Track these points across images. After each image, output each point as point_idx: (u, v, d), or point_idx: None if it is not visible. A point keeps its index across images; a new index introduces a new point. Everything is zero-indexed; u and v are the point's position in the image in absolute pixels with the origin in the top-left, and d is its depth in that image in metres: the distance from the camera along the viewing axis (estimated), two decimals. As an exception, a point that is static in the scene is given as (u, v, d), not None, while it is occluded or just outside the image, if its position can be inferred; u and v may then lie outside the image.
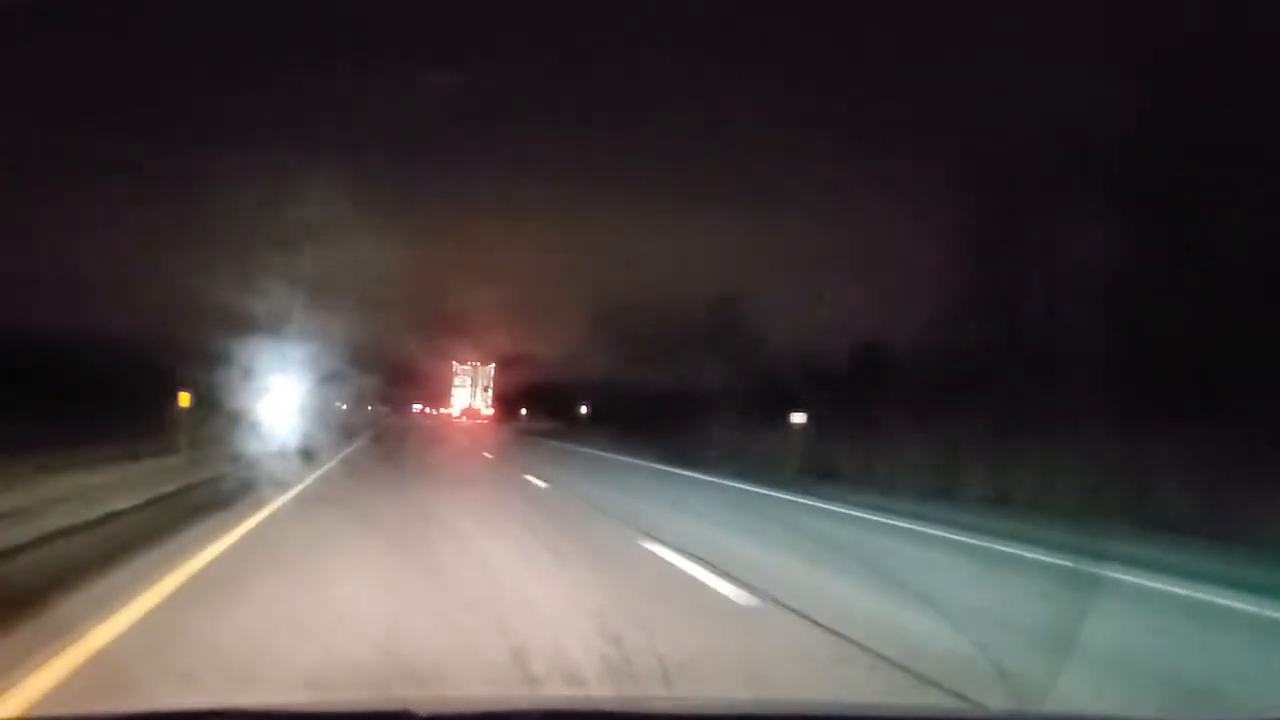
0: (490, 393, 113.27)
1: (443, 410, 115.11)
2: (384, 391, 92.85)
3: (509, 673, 4.09)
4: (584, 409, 48.15)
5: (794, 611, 5.68)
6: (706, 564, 7.26)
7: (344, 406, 53.68)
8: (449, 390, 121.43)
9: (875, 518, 12.20)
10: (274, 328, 27.47)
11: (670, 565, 7.36)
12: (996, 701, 4.06)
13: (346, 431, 29.83)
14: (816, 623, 5.36)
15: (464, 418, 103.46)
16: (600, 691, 3.86)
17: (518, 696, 3.73)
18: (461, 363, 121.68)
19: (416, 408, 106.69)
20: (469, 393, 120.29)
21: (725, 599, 6.11)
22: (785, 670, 4.49)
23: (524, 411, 74.58)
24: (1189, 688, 4.70)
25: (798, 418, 20.85)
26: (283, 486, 12.14)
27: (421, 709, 2.17)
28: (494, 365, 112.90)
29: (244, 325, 27.23)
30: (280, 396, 26.12)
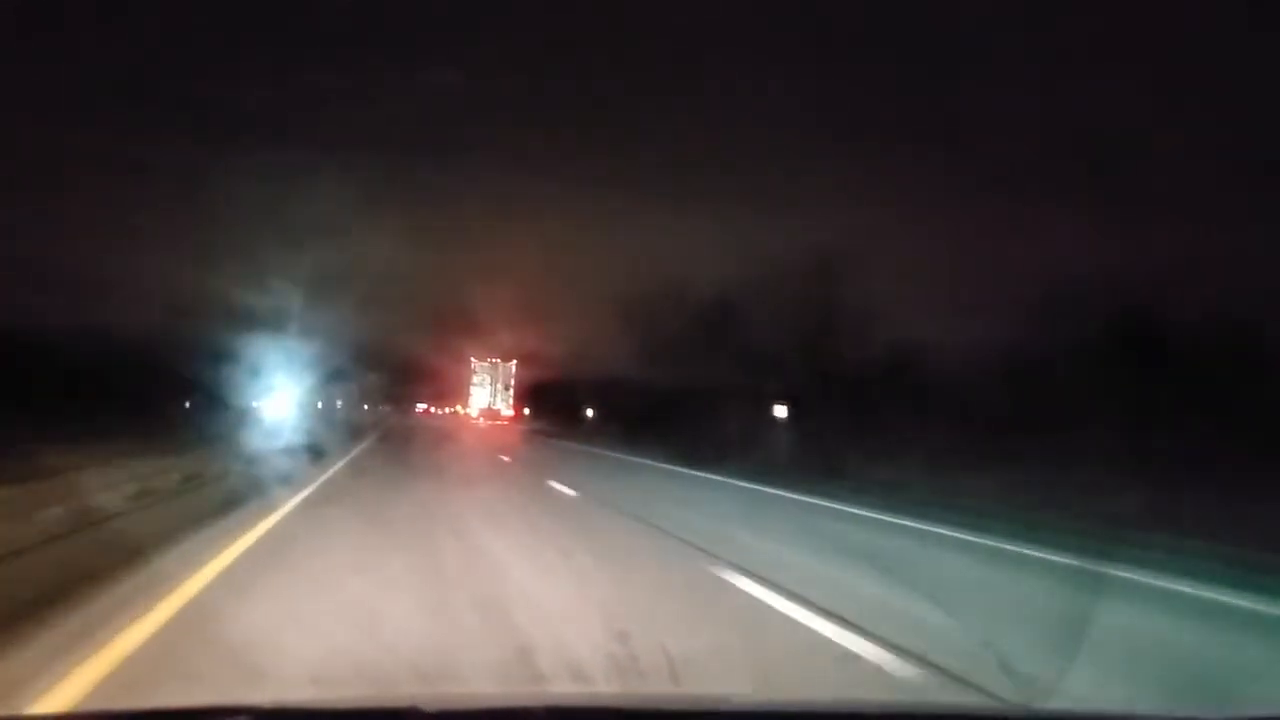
0: (511, 391, 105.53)
1: (457, 409, 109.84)
2: (390, 390, 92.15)
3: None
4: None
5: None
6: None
7: (339, 405, 53.26)
8: (462, 389, 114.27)
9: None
10: (274, 326, 27.50)
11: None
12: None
13: (329, 438, 25.94)
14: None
15: (481, 418, 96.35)
16: (606, 688, 3.85)
17: (524, 693, 3.72)
18: (481, 359, 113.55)
19: (421, 407, 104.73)
20: (488, 391, 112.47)
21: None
22: (791, 667, 4.48)
23: (590, 413, 61.26)
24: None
25: None
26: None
27: (429, 706, 2.17)
28: (515, 362, 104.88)
29: (244, 323, 27.26)
30: (270, 396, 25.98)
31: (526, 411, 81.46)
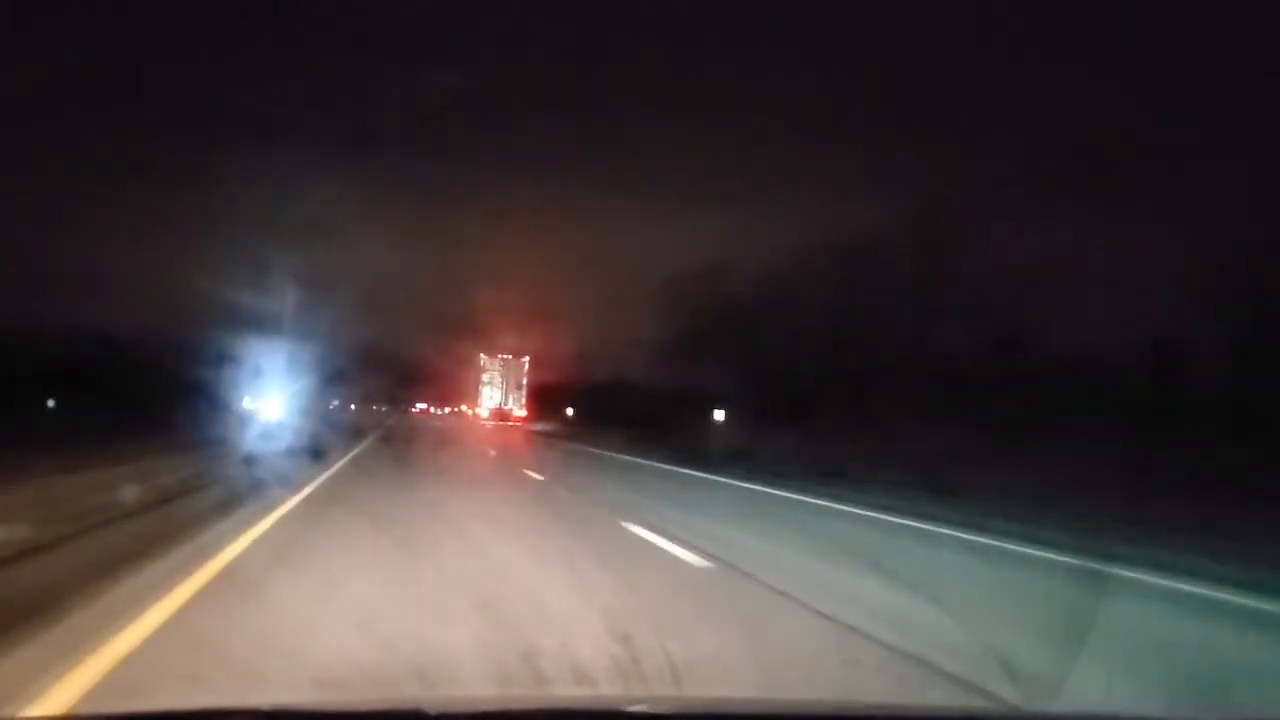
0: (524, 391, 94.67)
1: (461, 409, 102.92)
2: (390, 391, 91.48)
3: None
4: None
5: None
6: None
7: (335, 406, 52.69)
8: (466, 389, 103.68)
9: None
10: (273, 327, 27.45)
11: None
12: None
13: (328, 441, 24.17)
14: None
15: (492, 419, 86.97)
16: (609, 691, 3.85)
17: (527, 696, 3.71)
18: (491, 356, 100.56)
19: (419, 407, 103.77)
20: (499, 390, 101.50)
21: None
22: (794, 669, 4.47)
23: (723, 414, 38.55)
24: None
25: None
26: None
27: (432, 708, 2.16)
28: (528, 359, 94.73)
29: (242, 324, 27.23)
30: (268, 398, 25.80)
31: (570, 413, 67.71)
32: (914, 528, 11.07)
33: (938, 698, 4.04)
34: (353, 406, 65.78)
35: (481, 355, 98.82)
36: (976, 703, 3.98)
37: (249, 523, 8.67)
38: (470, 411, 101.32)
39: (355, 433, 34.58)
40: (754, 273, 38.28)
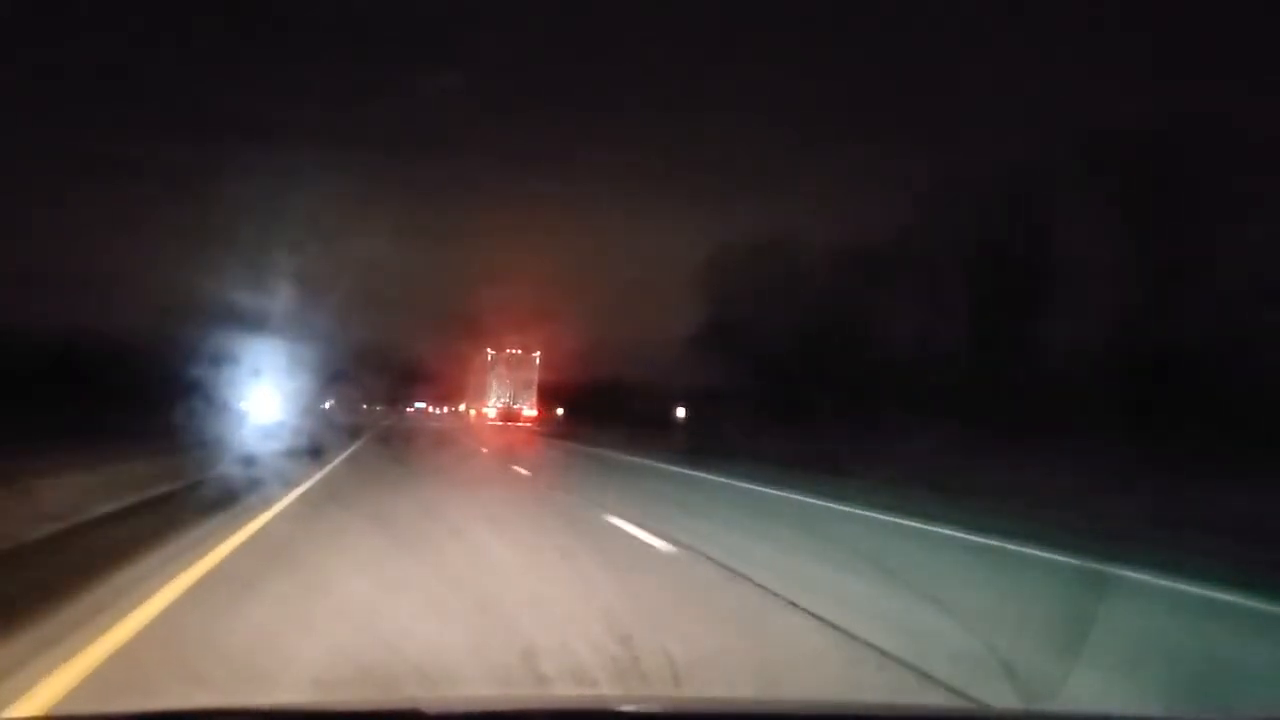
0: (533, 390, 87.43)
1: (460, 408, 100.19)
2: (389, 390, 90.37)
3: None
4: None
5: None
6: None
7: (330, 405, 52.09)
8: (467, 388, 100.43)
9: None
10: (271, 327, 27.36)
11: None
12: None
13: (326, 440, 23.97)
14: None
15: (499, 419, 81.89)
16: (609, 691, 3.84)
17: (526, 696, 3.70)
18: (498, 351, 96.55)
19: (418, 406, 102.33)
20: (507, 388, 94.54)
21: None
22: (795, 670, 4.46)
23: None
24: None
25: None
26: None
27: (431, 708, 2.16)
28: (538, 354, 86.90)
29: (239, 324, 27.12)
30: (264, 398, 25.66)
31: (682, 414, 54.20)
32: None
33: (938, 698, 4.03)
34: (333, 405, 64.64)
35: (488, 350, 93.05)
36: (974, 703, 3.97)
37: (249, 518, 8.69)
38: (473, 411, 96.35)
39: (352, 433, 34.53)
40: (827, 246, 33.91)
